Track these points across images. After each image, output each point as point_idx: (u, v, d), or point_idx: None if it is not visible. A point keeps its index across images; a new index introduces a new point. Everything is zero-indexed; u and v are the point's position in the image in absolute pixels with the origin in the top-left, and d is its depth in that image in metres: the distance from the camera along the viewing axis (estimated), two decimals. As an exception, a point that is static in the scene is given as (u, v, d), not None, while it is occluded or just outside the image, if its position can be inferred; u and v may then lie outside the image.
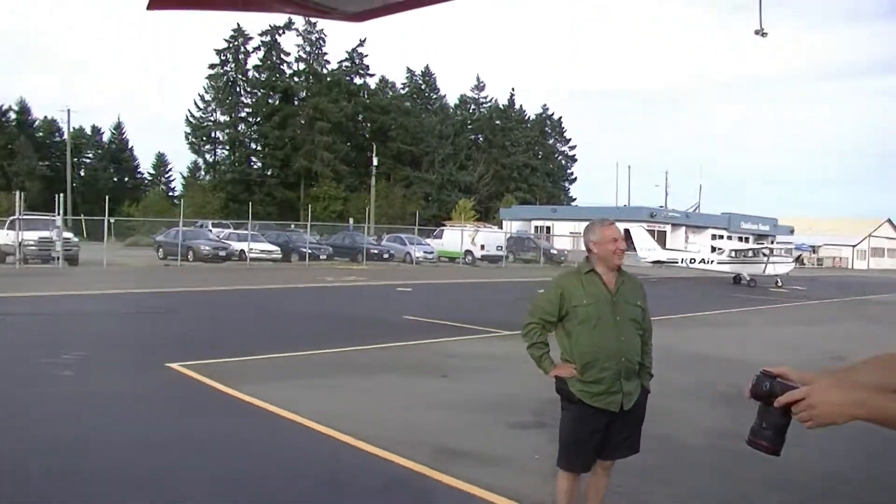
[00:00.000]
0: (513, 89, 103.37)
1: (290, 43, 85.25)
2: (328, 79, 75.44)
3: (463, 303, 20.54)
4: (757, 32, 19.55)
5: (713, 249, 37.02)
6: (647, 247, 35.98)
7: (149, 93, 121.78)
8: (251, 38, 73.84)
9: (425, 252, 41.57)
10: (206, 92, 74.55)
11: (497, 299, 21.57)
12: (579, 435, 4.13)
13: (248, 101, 76.04)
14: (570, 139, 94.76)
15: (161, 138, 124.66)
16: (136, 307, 16.43)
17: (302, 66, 76.00)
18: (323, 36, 75.61)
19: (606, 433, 4.12)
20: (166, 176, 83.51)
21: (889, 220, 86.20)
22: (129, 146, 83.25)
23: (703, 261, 34.97)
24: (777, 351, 12.99)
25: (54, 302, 16.71)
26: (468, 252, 42.61)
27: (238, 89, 75.11)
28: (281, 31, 74.06)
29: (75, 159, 71.55)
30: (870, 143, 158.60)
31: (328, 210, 66.36)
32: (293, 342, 11.57)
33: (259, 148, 76.27)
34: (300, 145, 72.26)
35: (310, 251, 36.83)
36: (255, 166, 75.98)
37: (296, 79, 75.97)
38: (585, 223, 4.54)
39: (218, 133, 75.26)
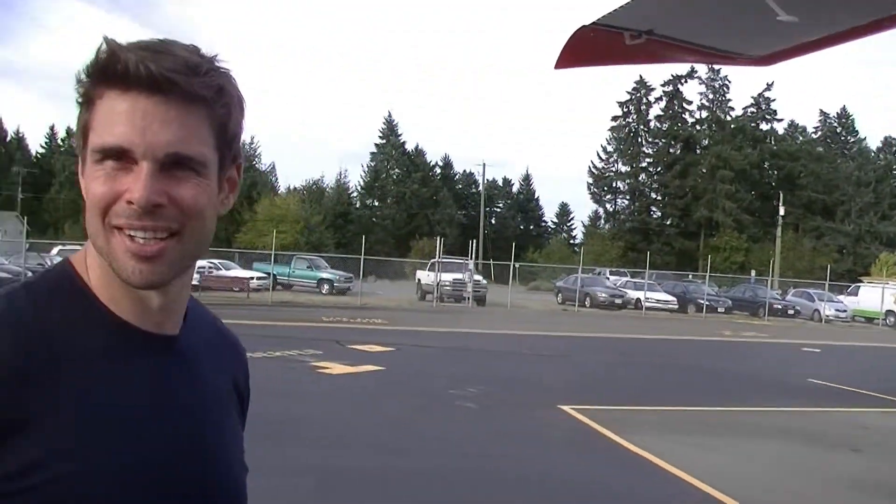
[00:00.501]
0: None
1: (692, 91, 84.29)
2: (732, 126, 72.97)
3: (884, 369, 18.18)
4: None
5: None
6: None
7: (555, 146, 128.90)
8: (653, 89, 74.46)
9: (837, 310, 37.74)
10: (609, 143, 76.66)
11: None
12: None
13: (650, 150, 76.49)
14: None
15: (565, 188, 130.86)
16: (534, 348, 17.22)
17: (704, 113, 74.56)
18: (727, 82, 73.48)
19: None
20: (568, 224, 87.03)
21: None
22: (536, 196, 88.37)
23: None
24: None
25: (463, 338, 18.22)
26: (889, 312, 37.79)
27: (640, 139, 76.02)
28: (683, 80, 73.57)
29: (488, 208, 78.01)
30: None
31: (728, 261, 63.72)
32: (686, 395, 11.21)
33: (659, 197, 76.13)
34: (701, 194, 70.65)
35: (707, 303, 35.62)
36: (655, 215, 75.91)
37: (698, 127, 74.71)
38: None
39: (619, 183, 76.77)
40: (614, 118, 75.99)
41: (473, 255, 32.95)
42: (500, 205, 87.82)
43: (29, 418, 0.85)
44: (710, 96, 74.37)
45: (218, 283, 29.17)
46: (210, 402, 1.05)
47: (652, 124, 75.63)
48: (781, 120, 77.20)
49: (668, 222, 74.35)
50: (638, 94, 74.93)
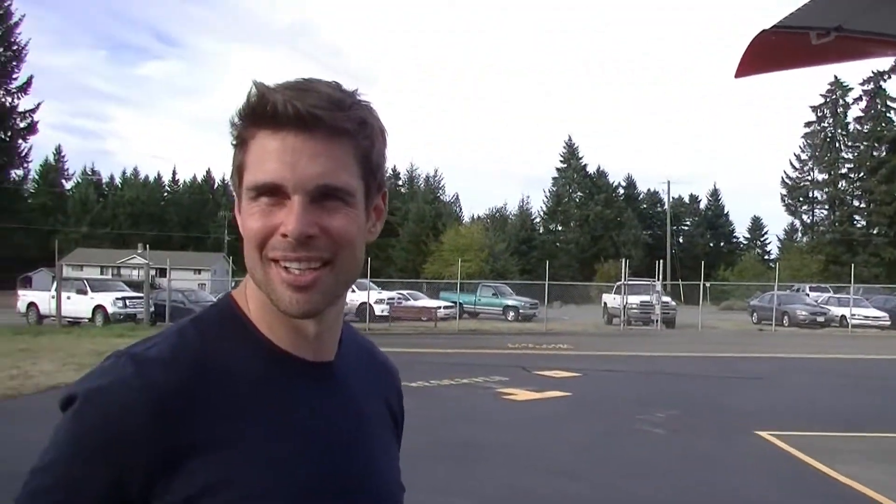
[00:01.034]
0: None
1: (896, 88, 77.92)
2: (945, 122, 66.75)
3: None
4: None
5: None
6: None
7: (744, 158, 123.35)
8: (851, 89, 69.53)
9: None
10: (803, 151, 72.36)
11: None
12: None
13: (849, 155, 71.29)
14: None
15: (756, 202, 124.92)
16: (728, 371, 16.44)
17: (912, 111, 68.68)
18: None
19: None
20: (761, 239, 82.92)
21: None
22: (725, 211, 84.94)
23: None
24: None
25: (652, 362, 17.73)
26: None
27: (837, 144, 71.09)
28: (886, 77, 68.10)
29: (674, 227, 75.76)
30: None
31: (949, 271, 58.03)
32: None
33: (863, 205, 70.68)
34: (912, 199, 64.94)
35: (925, 318, 32.45)
36: (859, 225, 70.50)
37: (905, 127, 68.91)
38: None
39: (816, 192, 72.09)
40: (807, 124, 71.65)
41: (661, 276, 32.04)
42: (688, 222, 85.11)
43: (205, 444, 0.92)
44: (922, 92, 68.29)
45: (406, 314, 30.10)
46: (366, 425, 1.10)
47: (851, 127, 70.48)
48: None
49: (874, 231, 68.69)
50: (833, 96, 70.22)
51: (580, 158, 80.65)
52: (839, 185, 70.82)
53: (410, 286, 37.85)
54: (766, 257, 77.07)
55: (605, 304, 34.18)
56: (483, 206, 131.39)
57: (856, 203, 71.43)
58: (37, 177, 74.41)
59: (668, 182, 69.01)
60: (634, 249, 70.86)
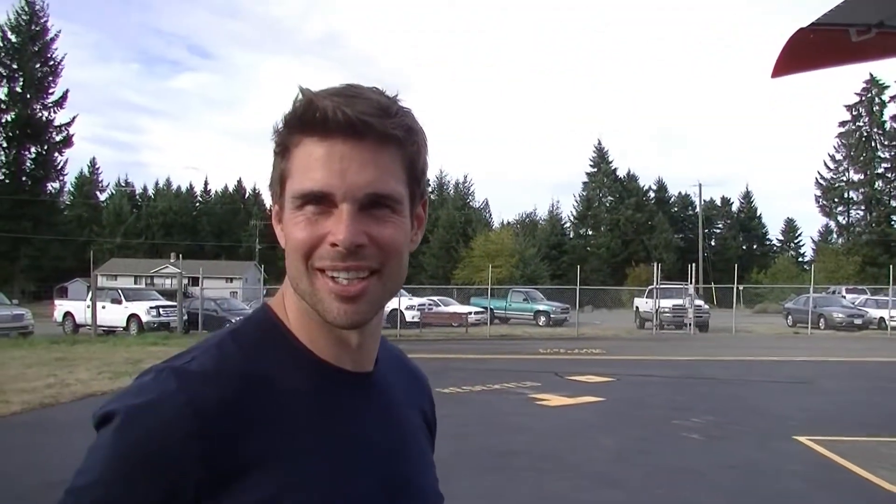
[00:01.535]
0: None
1: (934, 85, 76.47)
2: (985, 119, 65.42)
3: None
4: None
5: None
6: None
7: (776, 159, 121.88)
8: (887, 87, 68.35)
9: None
10: (837, 151, 71.28)
11: None
12: None
13: (886, 154, 70.12)
14: None
15: (790, 203, 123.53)
16: (764, 375, 16.20)
17: (950, 108, 67.41)
18: (975, 72, 66.14)
19: None
20: (796, 241, 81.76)
21: None
22: (758, 213, 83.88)
23: None
24: None
25: (686, 366, 17.52)
26: None
27: (873, 143, 69.95)
28: (923, 74, 66.98)
29: (706, 230, 74.89)
30: None
31: None
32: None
33: (900, 206, 69.55)
34: (951, 198, 63.72)
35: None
36: (896, 226, 69.39)
37: (943, 123, 67.63)
38: None
39: (851, 192, 70.98)
40: (842, 123, 70.61)
41: (693, 280, 31.65)
42: (720, 225, 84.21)
43: (254, 461, 0.89)
44: (956, 88, 67.04)
45: (438, 320, 30.11)
46: (406, 435, 1.09)
47: (888, 125, 69.28)
48: None
49: (913, 231, 67.54)
50: (869, 95, 69.14)
51: (610, 162, 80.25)
52: (875, 185, 69.70)
53: (441, 292, 37.90)
54: (800, 259, 75.99)
55: (637, 308, 33.95)
56: (513, 211, 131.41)
57: (893, 203, 70.22)
58: (72, 189, 75.60)
59: (700, 185, 68.04)
60: (666, 253, 70.23)
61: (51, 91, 56.94)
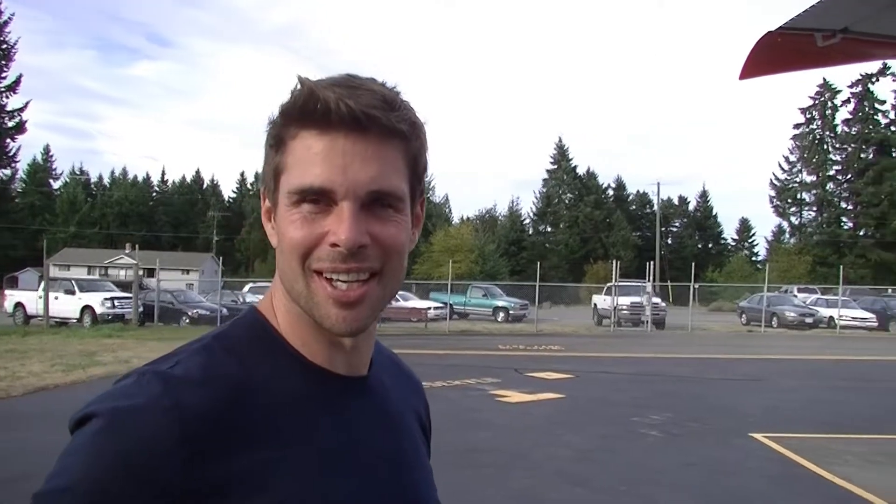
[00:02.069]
0: None
1: (885, 90, 78.47)
2: (932, 124, 67.15)
3: None
4: None
5: None
6: None
7: (732, 160, 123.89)
8: (839, 91, 69.92)
9: None
10: (791, 153, 72.71)
11: None
12: None
13: (838, 157, 71.67)
14: None
15: (745, 204, 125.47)
16: (720, 373, 16.46)
17: (899, 113, 69.04)
18: (924, 78, 67.74)
19: None
20: (750, 241, 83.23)
21: None
22: (714, 213, 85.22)
23: None
24: None
25: (644, 363, 17.75)
26: None
27: (826, 146, 71.49)
28: (874, 79, 68.45)
29: (663, 228, 75.90)
30: None
31: (935, 272, 58.37)
32: (893, 422, 10.31)
33: (850, 207, 71.10)
34: (899, 201, 65.29)
35: (912, 319, 32.64)
36: (846, 226, 70.90)
37: (893, 128, 69.25)
38: None
39: (804, 194, 72.47)
40: (796, 125, 72.12)
41: (651, 277, 32.07)
42: (677, 224, 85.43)
43: (243, 471, 0.84)
44: (905, 94, 68.72)
45: (397, 314, 30.02)
46: (404, 441, 1.05)
47: (839, 129, 70.88)
48: None
49: (861, 233, 69.14)
50: (822, 98, 70.62)
51: (570, 160, 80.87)
52: (827, 187, 71.22)
53: (400, 287, 37.78)
54: (755, 259, 77.38)
55: (595, 305, 34.23)
56: (473, 207, 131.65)
57: (843, 205, 71.86)
58: (25, 176, 74.05)
59: (658, 184, 69.16)
60: (624, 251, 71.02)
61: (3, 75, 55.38)
